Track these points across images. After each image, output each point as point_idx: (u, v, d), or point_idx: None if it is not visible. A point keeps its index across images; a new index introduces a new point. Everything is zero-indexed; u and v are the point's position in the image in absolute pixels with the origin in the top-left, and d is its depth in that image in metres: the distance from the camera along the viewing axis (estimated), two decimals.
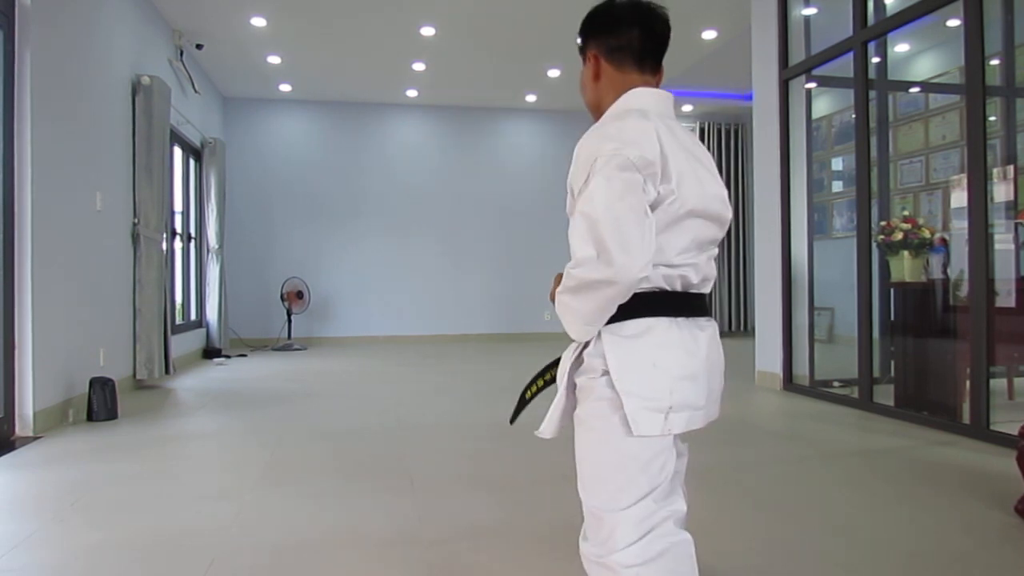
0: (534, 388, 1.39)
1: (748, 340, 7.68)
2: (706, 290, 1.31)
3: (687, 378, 1.20)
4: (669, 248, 1.20)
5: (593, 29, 1.34)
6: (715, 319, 1.39)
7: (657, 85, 1.35)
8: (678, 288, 1.24)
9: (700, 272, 1.25)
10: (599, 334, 1.22)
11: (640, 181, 1.14)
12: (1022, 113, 4.04)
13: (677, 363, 1.19)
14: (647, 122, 1.19)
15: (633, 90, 1.30)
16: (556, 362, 1.33)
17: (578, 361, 1.27)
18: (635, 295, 1.18)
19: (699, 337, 1.24)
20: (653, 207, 1.16)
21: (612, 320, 1.20)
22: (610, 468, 1.20)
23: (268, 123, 8.39)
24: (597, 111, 1.35)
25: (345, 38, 6.34)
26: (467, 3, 5.56)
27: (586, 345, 1.25)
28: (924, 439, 3.38)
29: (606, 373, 1.19)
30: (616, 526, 1.18)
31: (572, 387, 1.28)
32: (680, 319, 1.23)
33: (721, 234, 1.31)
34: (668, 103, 1.31)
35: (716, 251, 1.33)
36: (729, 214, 1.30)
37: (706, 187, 1.24)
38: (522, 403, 1.40)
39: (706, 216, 1.24)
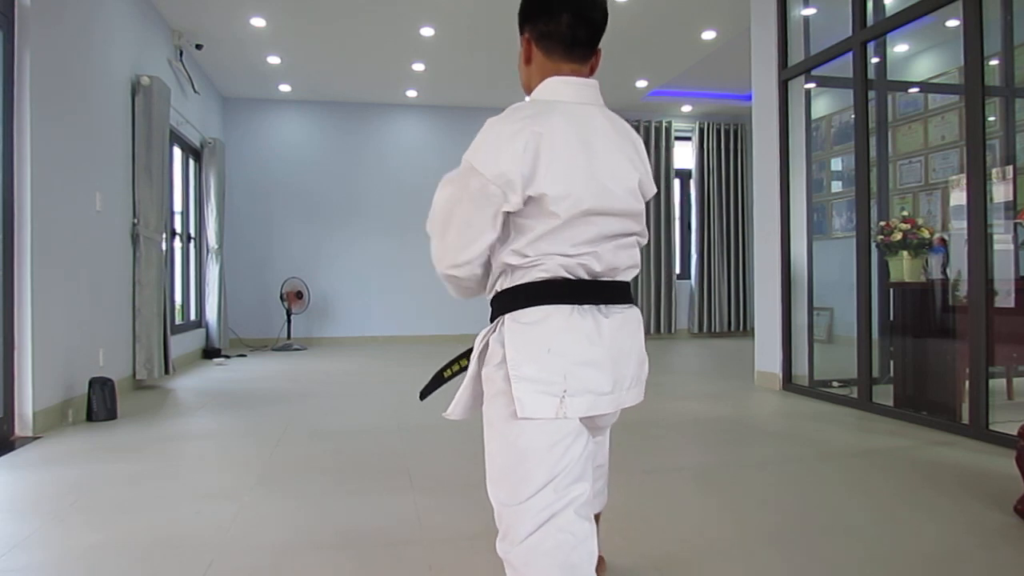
0: (456, 367, 1.40)
1: (747, 340, 7.69)
2: (622, 277, 1.29)
3: (586, 364, 1.20)
4: (565, 240, 1.20)
5: (527, 12, 1.32)
6: (638, 307, 1.42)
7: (592, 71, 1.33)
8: (582, 276, 1.23)
9: (603, 260, 1.24)
10: (504, 320, 1.24)
11: (482, 192, 1.18)
12: (1021, 113, 4.04)
13: (575, 349, 1.20)
14: (528, 127, 1.17)
15: (549, 80, 1.28)
16: None
17: (485, 347, 1.28)
18: (537, 283, 1.22)
19: (603, 324, 1.23)
20: (526, 208, 1.19)
21: (515, 307, 1.22)
22: (510, 461, 1.21)
23: (268, 123, 8.39)
24: (528, 92, 1.35)
25: (345, 38, 6.34)
26: (467, 3, 5.56)
27: (495, 331, 1.26)
28: (923, 439, 3.39)
29: (505, 360, 1.21)
30: (516, 519, 1.19)
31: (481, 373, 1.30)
32: (584, 307, 1.23)
33: (636, 226, 1.30)
34: (587, 92, 1.29)
35: (631, 239, 1.31)
36: (640, 206, 1.29)
37: (611, 183, 1.23)
38: (438, 380, 1.42)
39: (608, 213, 1.23)
